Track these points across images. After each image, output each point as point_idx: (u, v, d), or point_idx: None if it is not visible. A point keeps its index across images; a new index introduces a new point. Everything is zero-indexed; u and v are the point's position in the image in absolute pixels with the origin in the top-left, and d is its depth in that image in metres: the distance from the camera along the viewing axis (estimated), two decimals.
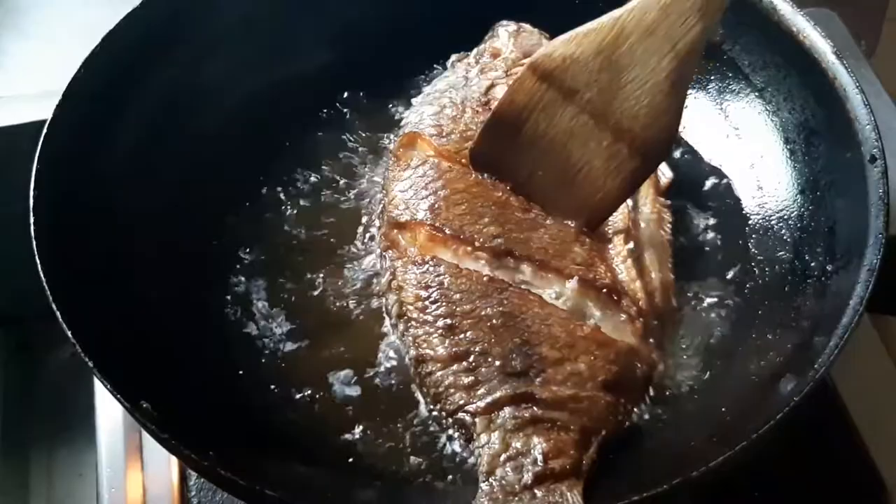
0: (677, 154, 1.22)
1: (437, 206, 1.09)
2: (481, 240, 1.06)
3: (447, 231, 1.07)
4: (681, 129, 1.23)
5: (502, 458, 0.92)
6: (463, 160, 1.13)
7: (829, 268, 1.03)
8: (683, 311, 1.08)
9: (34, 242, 0.97)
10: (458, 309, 1.01)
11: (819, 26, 1.11)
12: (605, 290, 1.03)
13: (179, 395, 0.96)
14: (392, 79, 1.27)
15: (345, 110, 1.27)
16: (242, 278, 1.12)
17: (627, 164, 1.06)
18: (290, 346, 1.06)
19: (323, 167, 1.22)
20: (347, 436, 0.99)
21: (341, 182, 1.20)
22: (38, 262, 0.95)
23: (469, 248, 1.06)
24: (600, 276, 1.04)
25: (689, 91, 1.23)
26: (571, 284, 1.03)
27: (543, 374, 0.97)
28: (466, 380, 0.97)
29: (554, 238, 1.07)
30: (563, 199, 1.09)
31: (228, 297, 1.10)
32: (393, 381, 1.02)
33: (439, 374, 0.99)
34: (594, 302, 1.03)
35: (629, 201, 1.11)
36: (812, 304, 1.02)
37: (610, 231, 1.10)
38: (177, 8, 1.20)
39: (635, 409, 0.99)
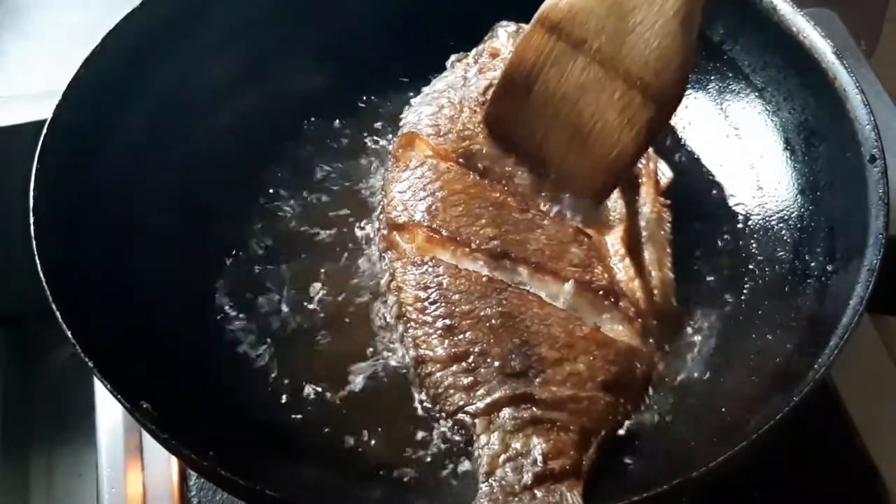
0: (677, 154, 1.22)
1: (434, 207, 1.09)
2: (478, 241, 1.06)
3: (444, 233, 1.07)
4: (681, 129, 1.24)
5: (502, 458, 0.92)
6: (460, 159, 1.13)
7: (829, 268, 1.03)
8: (683, 311, 1.08)
9: (34, 242, 0.97)
10: (457, 309, 1.01)
11: (819, 26, 1.11)
12: (601, 293, 1.03)
13: (179, 395, 0.96)
14: (391, 80, 1.27)
15: (345, 112, 1.27)
16: (243, 278, 1.11)
17: (642, 114, 1.04)
18: (289, 347, 1.06)
19: (322, 168, 1.21)
20: (347, 436, 0.99)
21: (341, 183, 1.20)
22: (38, 262, 0.95)
23: (467, 250, 1.06)
24: (597, 278, 1.04)
25: (689, 91, 1.24)
26: (568, 287, 1.03)
27: (543, 375, 0.97)
28: (466, 380, 0.97)
29: (551, 238, 1.07)
30: (580, 160, 1.08)
31: (228, 297, 1.10)
32: (393, 382, 1.02)
33: (439, 374, 0.99)
34: (591, 304, 1.03)
35: (623, 199, 1.11)
36: (812, 304, 1.02)
37: (609, 229, 1.09)
38: (177, 7, 1.19)
39: (635, 409, 0.99)
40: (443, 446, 0.97)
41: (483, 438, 0.95)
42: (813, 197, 1.11)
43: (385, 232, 1.11)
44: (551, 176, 1.11)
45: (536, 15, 1.08)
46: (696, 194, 1.19)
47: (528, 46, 1.08)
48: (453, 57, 1.27)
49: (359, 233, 1.15)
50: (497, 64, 1.22)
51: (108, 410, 1.15)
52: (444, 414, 0.98)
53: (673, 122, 1.25)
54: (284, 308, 1.09)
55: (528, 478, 0.91)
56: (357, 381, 1.03)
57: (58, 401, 1.40)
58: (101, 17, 1.15)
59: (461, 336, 1.00)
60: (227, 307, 1.09)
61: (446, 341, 1.00)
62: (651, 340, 1.03)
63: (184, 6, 1.20)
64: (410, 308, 1.04)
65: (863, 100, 1.05)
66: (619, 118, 1.05)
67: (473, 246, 1.05)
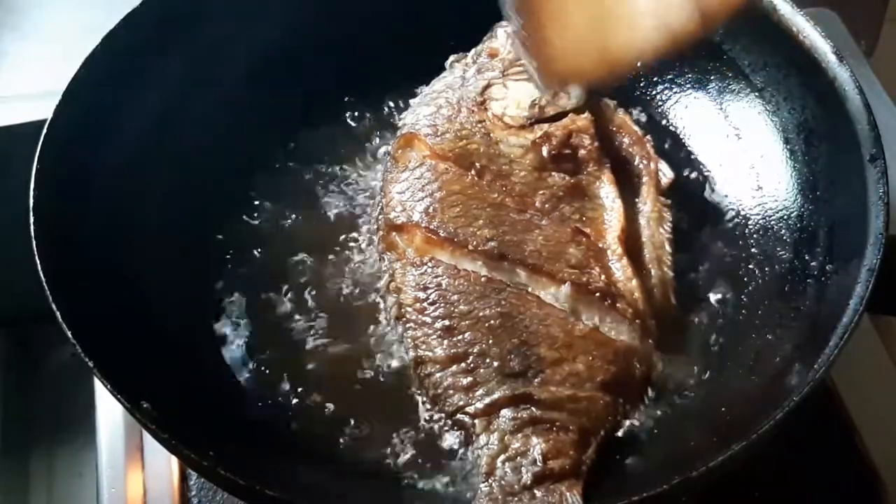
0: (678, 154, 1.22)
1: (432, 208, 1.08)
2: (475, 243, 1.05)
3: (442, 234, 1.06)
4: (681, 129, 1.24)
5: (501, 458, 0.92)
6: (457, 158, 1.13)
7: (829, 268, 1.03)
8: (683, 311, 1.08)
9: (34, 242, 0.97)
10: (456, 310, 1.01)
11: (819, 26, 1.11)
12: (598, 295, 1.03)
13: (179, 395, 0.96)
14: (391, 81, 1.27)
15: (344, 113, 1.27)
16: (242, 279, 1.11)
17: (682, 25, 1.00)
18: (289, 348, 1.06)
19: (322, 170, 1.21)
20: (347, 436, 0.99)
21: (341, 184, 1.20)
22: (38, 262, 0.95)
23: (465, 250, 1.05)
24: (594, 280, 1.04)
25: (689, 91, 1.25)
26: (564, 290, 1.03)
27: (542, 375, 0.97)
28: (465, 381, 0.97)
29: (548, 239, 1.06)
30: (584, 40, 1.04)
31: (228, 298, 1.10)
32: (392, 383, 1.02)
33: (438, 375, 0.99)
34: (589, 305, 1.03)
35: (623, 198, 1.11)
36: (812, 304, 1.02)
37: (608, 229, 1.09)
38: (177, 7, 1.19)
39: (635, 409, 0.99)
40: (442, 446, 0.97)
41: (482, 438, 0.95)
42: (813, 197, 1.10)
43: (384, 233, 1.11)
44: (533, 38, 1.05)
45: None
46: (696, 194, 1.19)
47: None
48: (452, 57, 1.27)
49: (359, 234, 1.15)
50: (495, 64, 1.22)
51: (108, 410, 1.15)
52: (443, 414, 0.98)
53: (673, 122, 1.25)
54: (284, 310, 1.09)
55: (527, 478, 0.91)
56: (357, 382, 1.03)
57: (58, 401, 1.40)
58: (101, 17, 1.15)
59: (460, 336, 1.00)
60: (227, 308, 1.09)
61: (445, 342, 1.00)
62: (650, 340, 1.03)
63: (183, 6, 1.20)
64: (410, 309, 1.04)
65: (863, 100, 1.05)
66: (653, 20, 1.00)
67: (471, 247, 1.05)
